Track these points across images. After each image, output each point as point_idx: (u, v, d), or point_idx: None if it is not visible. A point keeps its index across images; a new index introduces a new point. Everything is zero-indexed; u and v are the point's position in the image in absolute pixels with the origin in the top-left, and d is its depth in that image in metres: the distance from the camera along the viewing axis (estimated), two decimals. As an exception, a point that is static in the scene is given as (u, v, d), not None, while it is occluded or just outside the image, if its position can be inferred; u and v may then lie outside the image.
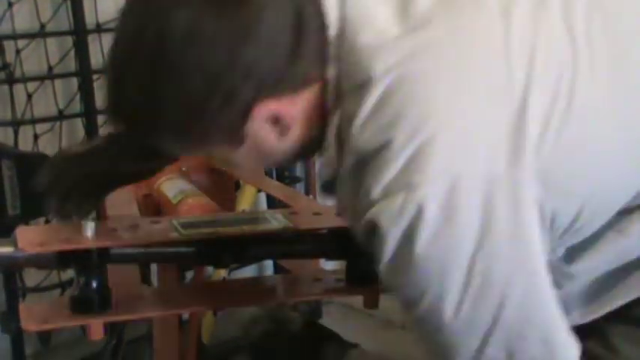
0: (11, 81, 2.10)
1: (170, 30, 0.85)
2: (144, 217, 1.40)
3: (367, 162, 0.85)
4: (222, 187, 1.56)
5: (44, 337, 2.15)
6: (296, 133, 0.92)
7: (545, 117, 0.85)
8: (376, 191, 0.84)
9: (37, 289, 2.13)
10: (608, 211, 0.93)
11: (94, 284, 1.08)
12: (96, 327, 1.08)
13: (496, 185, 0.83)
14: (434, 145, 0.82)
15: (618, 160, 0.91)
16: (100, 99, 1.95)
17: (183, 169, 1.49)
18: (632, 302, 0.97)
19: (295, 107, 0.90)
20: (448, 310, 0.85)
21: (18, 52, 2.11)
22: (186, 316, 1.55)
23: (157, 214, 1.42)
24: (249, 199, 2.07)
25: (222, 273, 1.84)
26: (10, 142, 2.09)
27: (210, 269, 1.68)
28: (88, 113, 2.21)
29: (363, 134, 0.85)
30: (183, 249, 1.16)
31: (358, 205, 0.87)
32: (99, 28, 2.20)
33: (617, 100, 0.89)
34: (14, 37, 2.11)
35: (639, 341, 1.01)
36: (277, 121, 0.90)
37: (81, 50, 2.19)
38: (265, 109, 0.89)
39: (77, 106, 2.24)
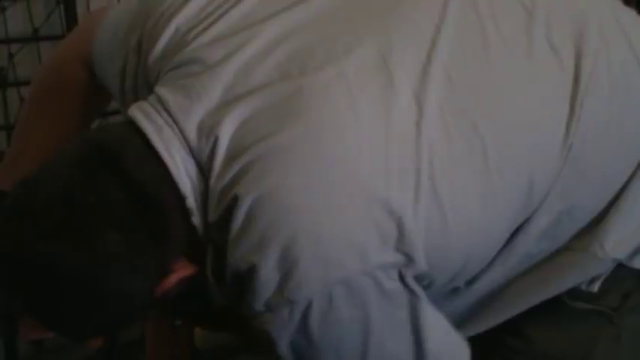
0: (4, 85, 2.10)
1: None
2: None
3: (242, 280, 0.87)
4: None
5: (37, 339, 2.15)
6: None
7: (410, 207, 0.85)
8: (258, 306, 0.87)
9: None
10: (490, 255, 0.96)
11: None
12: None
13: (367, 281, 0.86)
14: (302, 264, 0.83)
15: (487, 222, 0.92)
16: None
17: None
18: None
19: (187, 266, 0.92)
20: None
21: (11, 55, 2.11)
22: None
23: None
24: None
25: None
26: (3, 146, 2.09)
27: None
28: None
29: (233, 257, 0.86)
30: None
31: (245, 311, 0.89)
32: (91, 33, 2.20)
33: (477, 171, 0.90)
34: (7, 41, 2.11)
35: (550, 327, 1.05)
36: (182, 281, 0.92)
37: (73, 55, 2.18)
38: (162, 288, 0.91)
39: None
